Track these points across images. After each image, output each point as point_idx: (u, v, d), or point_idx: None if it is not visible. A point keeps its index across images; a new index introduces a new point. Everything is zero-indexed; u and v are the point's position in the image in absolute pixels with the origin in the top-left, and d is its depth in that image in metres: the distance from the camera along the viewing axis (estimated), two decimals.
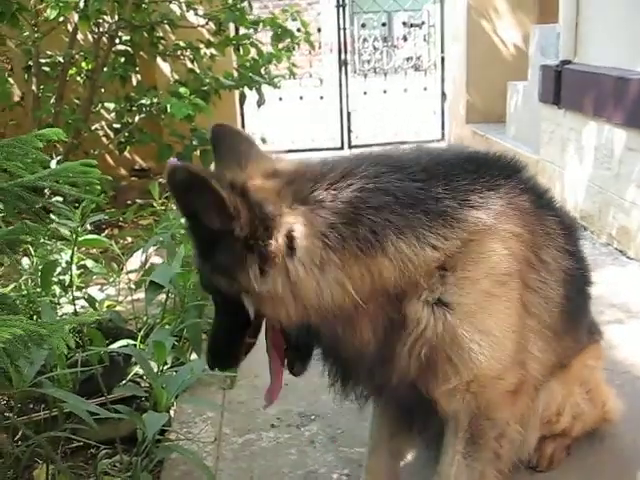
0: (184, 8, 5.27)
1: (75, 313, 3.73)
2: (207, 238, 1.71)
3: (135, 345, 3.04)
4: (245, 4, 5.02)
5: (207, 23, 5.35)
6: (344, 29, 8.50)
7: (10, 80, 6.58)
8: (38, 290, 3.48)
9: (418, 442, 2.32)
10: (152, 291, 2.83)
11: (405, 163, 1.80)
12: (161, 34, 5.94)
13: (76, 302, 3.80)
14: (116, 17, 5.23)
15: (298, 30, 5.79)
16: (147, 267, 3.64)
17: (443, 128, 8.88)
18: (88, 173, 1.96)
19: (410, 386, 1.88)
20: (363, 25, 13.70)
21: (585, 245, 4.72)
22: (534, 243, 1.88)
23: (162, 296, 3.34)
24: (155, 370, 2.61)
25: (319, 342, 1.86)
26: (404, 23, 14.71)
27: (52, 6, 4.36)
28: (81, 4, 5.11)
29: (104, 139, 6.75)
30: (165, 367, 3.00)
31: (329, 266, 1.64)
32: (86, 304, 3.98)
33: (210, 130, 1.94)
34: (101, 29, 5.69)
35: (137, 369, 2.97)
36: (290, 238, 1.65)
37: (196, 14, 5.33)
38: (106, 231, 5.55)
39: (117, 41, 5.92)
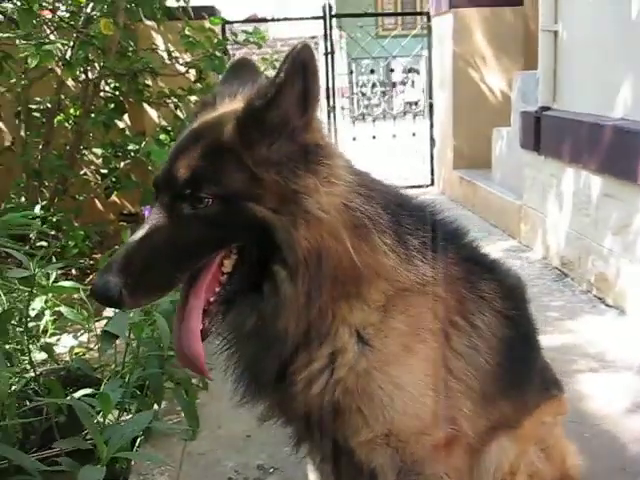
0: (166, 56, 5.34)
1: (50, 360, 3.72)
2: (269, 125, 1.62)
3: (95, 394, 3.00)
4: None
5: (187, 71, 5.42)
6: (333, 76, 8.61)
7: (0, 125, 6.70)
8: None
9: None
10: (106, 340, 2.79)
11: (403, 200, 1.93)
12: (149, 82, 6.03)
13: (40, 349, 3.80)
14: (101, 64, 5.30)
15: None
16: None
17: (432, 174, 8.92)
18: (27, 225, 1.95)
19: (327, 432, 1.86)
20: (362, 72, 13.84)
21: (565, 292, 4.78)
22: (463, 309, 1.89)
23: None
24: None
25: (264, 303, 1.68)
26: (403, 69, 15.03)
27: (32, 54, 4.41)
28: (68, 54, 5.22)
29: (93, 184, 6.80)
30: (126, 417, 2.96)
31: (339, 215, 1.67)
32: (59, 350, 3.97)
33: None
34: (90, 75, 5.79)
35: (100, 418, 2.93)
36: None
37: (177, 62, 5.40)
38: (91, 276, 5.54)
39: (106, 88, 6.02)
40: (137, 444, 3.06)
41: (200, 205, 1.58)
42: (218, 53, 4.99)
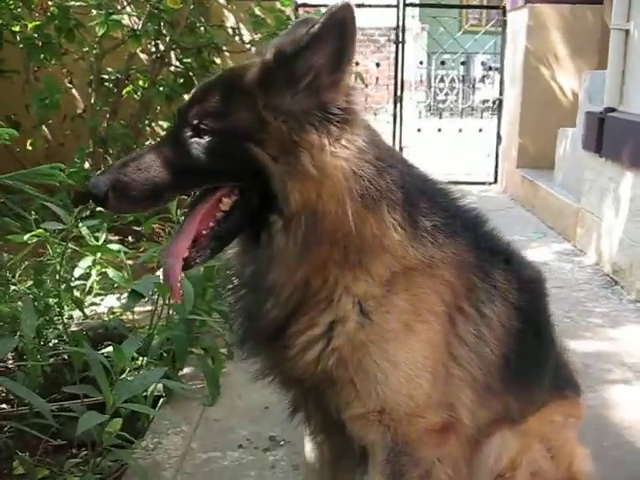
0: (230, 33, 5.42)
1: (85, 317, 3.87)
2: (296, 74, 1.63)
3: None
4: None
5: (250, 49, 5.49)
6: (402, 66, 8.53)
7: (74, 92, 6.95)
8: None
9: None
10: (132, 299, 2.89)
11: (425, 184, 1.92)
12: (217, 59, 6.13)
13: (86, 307, 3.96)
14: (167, 38, 5.43)
15: None
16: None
17: (497, 172, 8.76)
18: (52, 176, 2.04)
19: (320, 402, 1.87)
20: (442, 63, 13.55)
21: (612, 300, 4.65)
22: (472, 296, 1.86)
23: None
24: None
25: (258, 252, 1.72)
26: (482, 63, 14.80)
27: (101, 23, 4.57)
28: (138, 26, 5.38)
29: None
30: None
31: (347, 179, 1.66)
32: (99, 310, 4.13)
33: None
34: (161, 48, 5.94)
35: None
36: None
37: (241, 40, 5.48)
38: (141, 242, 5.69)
39: (177, 63, 6.17)
40: (159, 405, 3.17)
41: (203, 135, 1.65)
42: (281, 33, 5.03)
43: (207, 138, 1.65)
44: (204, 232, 1.71)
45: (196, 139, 1.66)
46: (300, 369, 1.81)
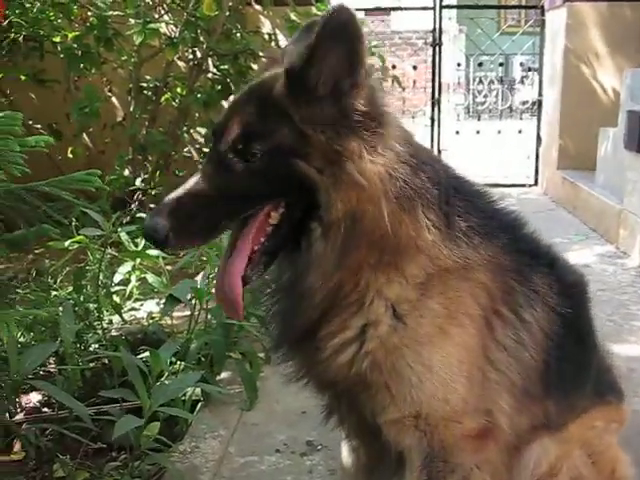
0: (267, 38, 5.45)
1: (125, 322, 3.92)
2: (313, 83, 1.62)
3: None
4: None
5: None
6: (440, 68, 8.48)
7: (114, 101, 7.07)
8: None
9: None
10: (169, 303, 2.92)
11: (461, 184, 1.89)
12: (253, 64, 6.17)
13: (125, 312, 4.00)
14: (204, 46, 5.49)
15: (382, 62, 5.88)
16: None
17: (537, 173, 8.63)
18: (88, 182, 2.07)
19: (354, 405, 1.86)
20: (480, 64, 13.43)
21: None
22: (511, 300, 1.84)
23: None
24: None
25: (298, 260, 1.72)
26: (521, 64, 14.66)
27: (138, 32, 4.63)
28: (175, 34, 5.45)
29: (195, 162, 7.06)
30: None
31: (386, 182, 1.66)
32: (138, 315, 4.18)
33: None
34: (198, 55, 6.01)
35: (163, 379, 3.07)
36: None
37: (277, 45, 5.51)
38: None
39: (214, 69, 6.23)
40: (197, 409, 3.19)
41: (250, 159, 1.64)
42: None
43: (255, 161, 1.64)
44: (256, 248, 1.71)
45: (242, 164, 1.65)
46: (333, 372, 1.80)
